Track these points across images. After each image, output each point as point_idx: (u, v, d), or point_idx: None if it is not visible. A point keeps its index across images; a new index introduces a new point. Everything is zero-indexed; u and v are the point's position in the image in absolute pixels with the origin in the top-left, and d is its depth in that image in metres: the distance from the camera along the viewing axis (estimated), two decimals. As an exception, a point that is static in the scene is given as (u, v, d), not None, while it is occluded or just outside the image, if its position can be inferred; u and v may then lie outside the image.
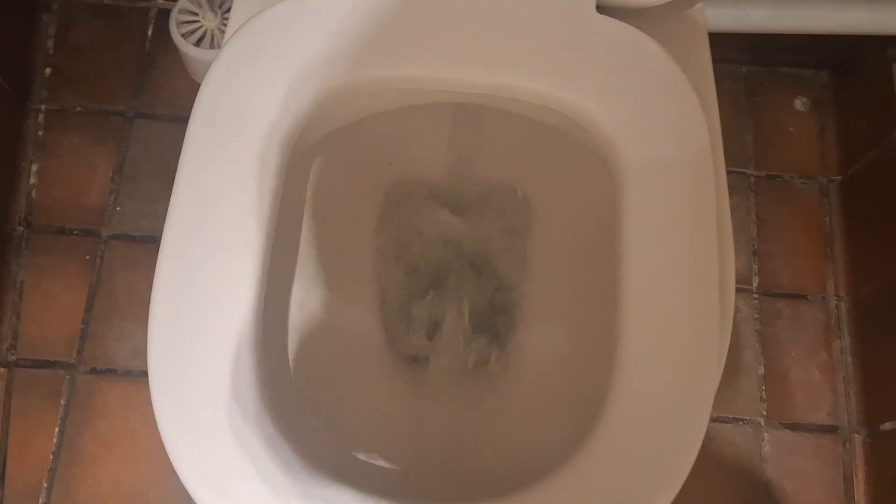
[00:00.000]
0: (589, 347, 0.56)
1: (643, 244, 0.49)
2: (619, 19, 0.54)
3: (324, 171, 0.60)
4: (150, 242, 0.88)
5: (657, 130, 0.52)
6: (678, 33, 0.59)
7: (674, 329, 0.48)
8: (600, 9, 0.55)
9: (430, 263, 0.69)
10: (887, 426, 0.82)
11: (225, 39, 0.53)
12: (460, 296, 0.68)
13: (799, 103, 0.98)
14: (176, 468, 0.44)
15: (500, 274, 0.69)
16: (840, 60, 0.97)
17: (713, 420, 0.86)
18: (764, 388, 0.88)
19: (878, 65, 0.89)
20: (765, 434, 0.86)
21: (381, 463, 0.53)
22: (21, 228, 0.88)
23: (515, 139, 0.62)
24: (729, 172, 0.93)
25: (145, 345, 0.84)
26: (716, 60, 0.96)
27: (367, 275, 0.66)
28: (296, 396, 0.52)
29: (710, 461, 0.85)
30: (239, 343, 0.46)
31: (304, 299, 0.61)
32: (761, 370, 0.88)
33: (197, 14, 0.87)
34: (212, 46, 0.87)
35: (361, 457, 0.53)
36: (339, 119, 0.57)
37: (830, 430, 0.87)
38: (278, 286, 0.53)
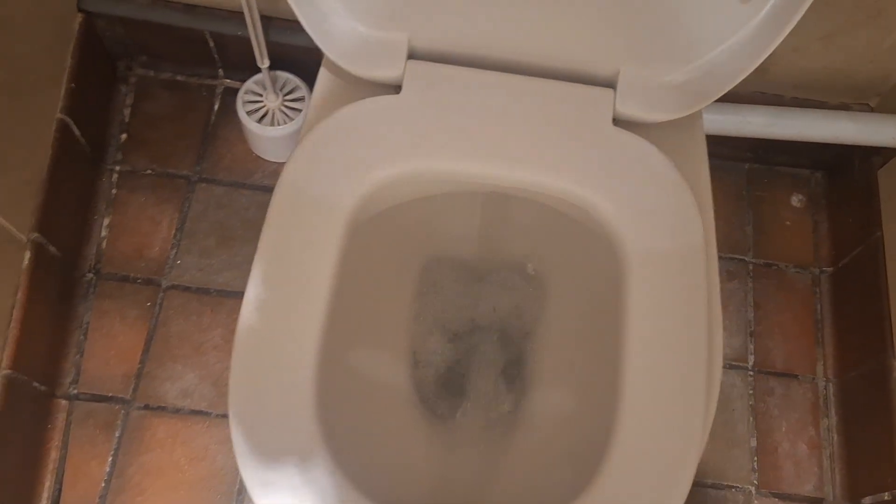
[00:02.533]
0: (591, 411, 0.65)
1: (642, 324, 0.59)
2: (631, 130, 0.65)
3: (372, 244, 0.70)
4: (204, 294, 0.98)
5: (659, 227, 0.62)
6: (681, 140, 0.69)
7: (665, 401, 0.57)
8: (616, 121, 0.66)
9: (457, 331, 0.79)
10: (867, 500, 0.89)
11: (301, 135, 0.64)
12: (483, 361, 0.77)
13: (796, 200, 1.08)
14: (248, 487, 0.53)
15: (517, 343, 0.79)
16: (834, 163, 1.07)
17: (708, 486, 0.94)
18: (756, 459, 0.96)
19: (865, 170, 0.99)
20: (755, 502, 0.94)
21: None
22: (90, 275, 0.98)
23: (536, 225, 0.73)
24: (729, 259, 1.04)
25: (194, 386, 0.94)
26: (721, 158, 1.08)
27: (402, 336, 0.75)
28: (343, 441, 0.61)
29: (703, 525, 0.92)
30: (303, 393, 0.55)
31: (346, 355, 0.70)
32: (754, 442, 0.96)
33: (261, 95, 1.00)
34: (272, 124, 0.99)
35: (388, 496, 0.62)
36: (389, 201, 0.67)
37: (816, 501, 0.94)
38: (334, 340, 0.62)
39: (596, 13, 0.62)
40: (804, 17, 0.83)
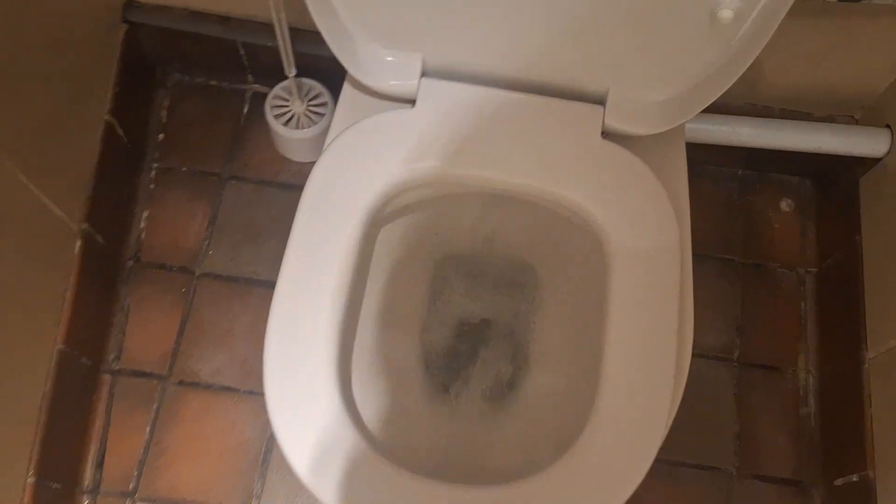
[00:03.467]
0: (577, 388, 0.74)
1: (622, 313, 0.68)
2: (618, 141, 0.74)
3: (388, 238, 0.79)
4: (234, 282, 1.08)
5: (639, 228, 0.70)
6: (662, 151, 0.77)
7: (639, 381, 0.66)
8: (604, 134, 0.74)
9: (463, 318, 0.88)
10: (840, 482, 0.98)
11: (327, 142, 0.74)
12: (484, 344, 0.86)
13: (785, 204, 1.16)
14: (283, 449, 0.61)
15: (516, 328, 0.87)
16: (821, 172, 1.15)
17: (691, 466, 1.02)
18: (738, 443, 1.04)
19: (848, 178, 1.07)
20: (735, 483, 1.02)
21: (414, 462, 0.70)
22: (131, 262, 1.08)
23: (532, 225, 0.81)
24: (719, 259, 1.12)
25: (224, 365, 1.03)
26: (716, 164, 1.16)
27: (414, 320, 0.84)
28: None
29: (684, 502, 1.01)
30: (327, 366, 0.64)
31: (363, 335, 0.79)
32: (736, 428, 1.05)
33: (287, 100, 1.09)
34: (297, 127, 1.08)
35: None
36: (403, 201, 0.76)
37: (794, 483, 1.02)
38: (353, 324, 0.71)
39: (587, 40, 0.70)
40: (789, 37, 0.91)
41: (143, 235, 1.10)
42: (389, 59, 0.74)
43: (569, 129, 0.73)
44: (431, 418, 0.79)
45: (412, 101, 0.74)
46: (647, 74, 0.72)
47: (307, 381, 0.64)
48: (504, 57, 0.74)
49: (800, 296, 1.12)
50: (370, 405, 0.70)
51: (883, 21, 0.89)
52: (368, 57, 0.74)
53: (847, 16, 0.89)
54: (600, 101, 0.74)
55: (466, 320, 0.90)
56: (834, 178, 1.11)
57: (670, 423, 0.66)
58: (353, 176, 0.71)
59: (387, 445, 0.69)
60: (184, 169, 1.14)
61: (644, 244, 0.70)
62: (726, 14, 0.62)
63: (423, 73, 0.75)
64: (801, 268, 1.13)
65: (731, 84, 0.70)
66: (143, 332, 1.06)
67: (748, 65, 0.69)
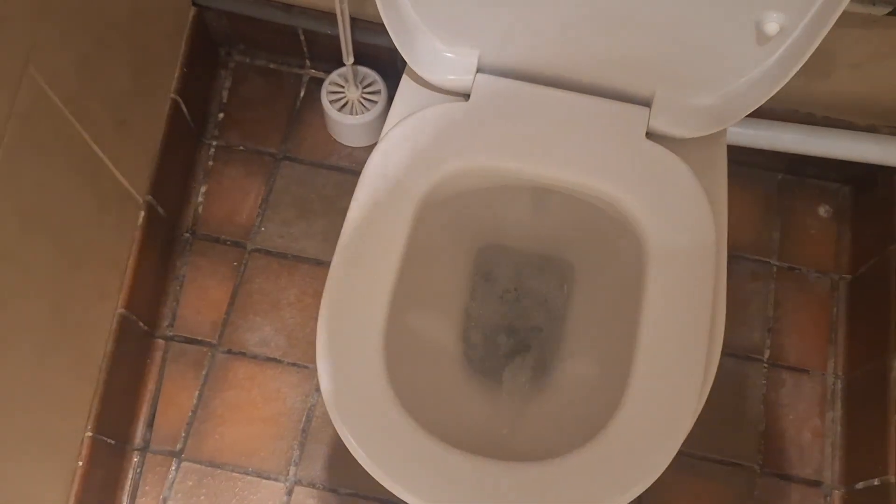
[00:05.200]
0: (609, 378, 0.79)
1: (656, 308, 0.72)
2: (662, 143, 0.78)
3: (439, 224, 0.84)
4: (283, 258, 1.14)
5: (677, 227, 0.75)
6: (704, 154, 0.81)
7: (669, 374, 0.71)
8: (648, 135, 0.79)
9: (503, 306, 0.93)
10: (861, 485, 1.01)
11: (385, 130, 0.79)
12: (523, 331, 0.92)
13: (823, 210, 1.19)
14: (328, 404, 0.67)
15: (553, 318, 0.92)
16: (861, 179, 1.17)
17: (716, 461, 1.07)
18: (763, 442, 1.08)
19: (886, 187, 1.09)
20: (758, 480, 1.06)
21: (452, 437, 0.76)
22: (188, 235, 1.15)
23: (575, 218, 0.86)
24: (755, 261, 1.16)
25: (270, 337, 1.09)
26: (756, 167, 1.19)
27: (457, 305, 0.90)
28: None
29: (707, 497, 1.05)
30: (374, 343, 0.70)
31: (408, 316, 0.85)
32: (762, 427, 1.08)
33: (343, 86, 1.15)
34: (351, 113, 1.14)
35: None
36: (455, 189, 0.81)
37: (815, 484, 1.06)
38: (400, 303, 0.77)
39: (637, 44, 0.75)
40: (835, 46, 0.94)
41: (200, 210, 1.17)
42: (448, 54, 0.79)
43: (615, 129, 0.78)
44: (470, 398, 0.85)
45: (467, 96, 0.79)
46: (692, 80, 0.77)
47: (355, 355, 0.69)
48: (556, 57, 0.78)
49: (832, 301, 1.15)
50: (413, 383, 0.76)
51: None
52: (428, 51, 0.79)
53: (893, 27, 0.92)
54: (646, 103, 0.78)
55: (506, 308, 0.95)
56: (872, 187, 1.14)
57: (696, 417, 0.71)
58: (409, 163, 0.76)
59: (427, 420, 0.75)
60: (241, 147, 1.20)
61: (681, 243, 0.74)
62: (772, 27, 0.66)
63: (479, 69, 0.80)
64: (836, 273, 1.16)
65: (774, 93, 0.74)
66: (196, 301, 1.12)
67: (791, 75, 0.72)
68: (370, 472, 0.66)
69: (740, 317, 1.13)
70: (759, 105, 0.75)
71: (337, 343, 0.70)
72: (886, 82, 1.01)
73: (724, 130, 0.81)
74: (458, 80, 0.79)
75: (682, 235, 0.75)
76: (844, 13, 0.85)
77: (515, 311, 0.95)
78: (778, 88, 0.73)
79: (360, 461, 0.67)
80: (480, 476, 0.66)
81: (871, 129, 1.08)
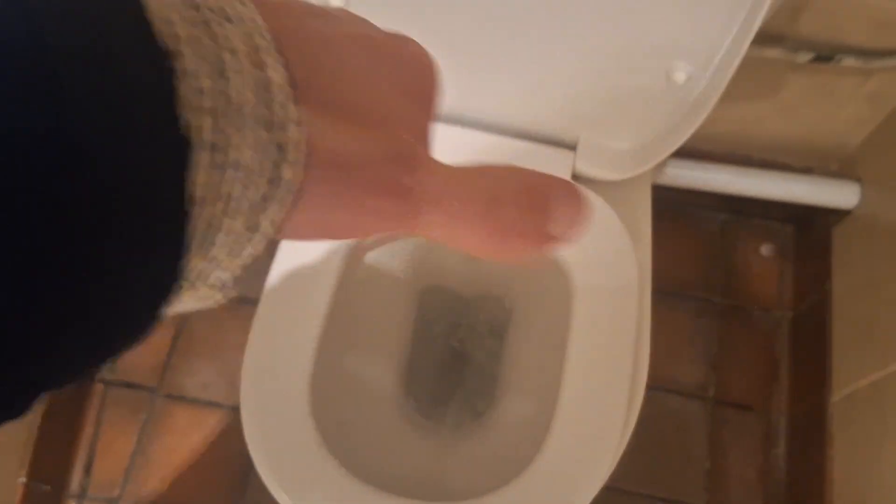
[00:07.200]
0: (542, 414, 0.81)
1: (581, 345, 0.75)
2: (588, 185, 0.82)
3: (377, 265, 0.87)
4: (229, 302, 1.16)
5: (602, 265, 0.78)
6: (628, 194, 0.85)
7: (592, 410, 0.73)
8: (574, 177, 0.82)
9: (442, 346, 0.95)
10: (802, 522, 1.04)
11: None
12: (460, 370, 0.94)
13: (765, 249, 1.24)
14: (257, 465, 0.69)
15: (491, 358, 0.95)
16: (801, 219, 1.22)
17: (661, 499, 1.09)
18: (708, 479, 1.10)
19: (822, 227, 1.14)
20: (703, 519, 1.08)
21: (386, 482, 0.78)
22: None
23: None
24: (699, 299, 1.19)
25: (212, 380, 1.10)
26: (700, 207, 1.23)
27: (396, 346, 0.92)
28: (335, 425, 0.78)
29: (654, 535, 1.07)
30: (300, 390, 0.72)
31: (340, 359, 0.87)
32: (707, 465, 1.11)
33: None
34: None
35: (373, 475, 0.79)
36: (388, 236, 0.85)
37: (759, 522, 1.09)
38: (332, 345, 0.79)
39: (560, 94, 0.79)
40: (767, 90, 1.00)
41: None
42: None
43: (543, 171, 0.82)
44: (405, 440, 0.87)
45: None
46: (612, 126, 0.81)
47: (282, 401, 0.71)
48: (487, 104, 0.82)
49: (775, 338, 1.19)
50: (344, 425, 0.78)
51: (851, 80, 0.97)
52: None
53: (819, 73, 0.97)
54: (572, 146, 0.82)
55: (445, 348, 0.98)
56: (811, 226, 1.19)
57: (620, 452, 0.73)
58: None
59: (359, 465, 0.77)
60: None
61: (605, 281, 0.78)
62: (680, 76, 0.70)
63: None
64: (778, 311, 1.20)
65: (688, 135, 0.78)
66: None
67: (702, 120, 0.77)
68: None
69: (685, 355, 1.16)
70: (676, 148, 0.79)
71: (262, 387, 0.72)
72: (817, 126, 1.07)
73: (649, 172, 0.85)
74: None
75: (605, 273, 0.78)
76: (770, 60, 0.90)
77: (454, 351, 0.98)
78: (691, 132, 0.77)
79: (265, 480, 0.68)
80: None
81: (807, 171, 1.14)
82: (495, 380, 0.93)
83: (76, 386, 1.08)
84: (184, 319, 1.15)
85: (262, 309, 0.75)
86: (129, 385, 1.12)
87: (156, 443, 1.09)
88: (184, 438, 1.09)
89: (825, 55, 0.92)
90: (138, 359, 1.13)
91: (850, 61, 0.92)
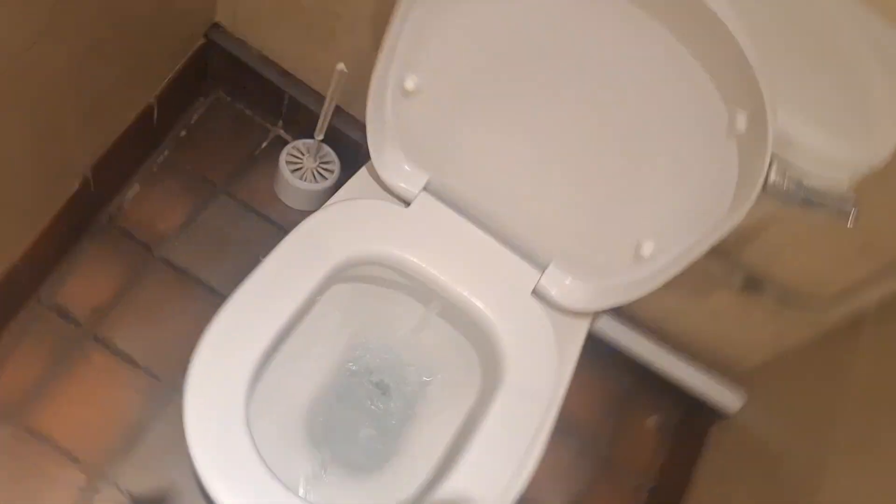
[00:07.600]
0: (435, 477, 0.92)
1: (489, 428, 0.87)
2: (543, 298, 0.96)
3: (336, 299, 0.98)
4: (184, 275, 1.24)
5: (530, 371, 0.91)
6: (570, 322, 0.99)
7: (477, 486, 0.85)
8: (534, 292, 0.96)
9: (363, 392, 1.06)
10: None
11: (331, 200, 0.94)
12: (372, 420, 1.04)
13: (652, 421, 1.39)
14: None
15: (401, 417, 1.06)
16: (690, 407, 1.38)
17: None
18: None
19: (704, 421, 1.31)
20: None
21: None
22: (105, 219, 1.24)
23: (450, 341, 1.02)
24: (585, 441, 1.32)
25: (139, 342, 1.16)
26: (615, 367, 1.37)
27: (322, 378, 1.02)
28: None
29: None
30: (245, 376, 0.81)
31: (277, 375, 0.96)
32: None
33: (303, 154, 1.30)
34: (302, 178, 1.29)
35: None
36: (364, 273, 0.96)
37: None
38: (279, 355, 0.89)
39: (552, 221, 0.94)
40: (700, 292, 1.17)
41: (125, 204, 1.26)
42: (406, 167, 0.97)
43: (510, 277, 0.96)
44: (296, 465, 0.95)
45: (408, 203, 0.96)
46: (580, 269, 0.96)
47: (222, 385, 0.81)
48: (485, 206, 0.97)
49: (633, 501, 1.32)
50: (263, 436, 0.86)
51: (766, 313, 1.16)
52: (391, 158, 0.96)
53: (744, 296, 1.15)
54: (542, 268, 0.97)
55: (362, 394, 1.08)
56: (696, 416, 1.35)
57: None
58: (338, 230, 0.91)
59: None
60: (188, 167, 1.32)
61: (528, 385, 0.91)
62: (646, 250, 0.87)
63: (425, 188, 0.97)
64: (643, 478, 1.34)
65: (640, 297, 0.94)
66: (86, 282, 1.20)
67: (656, 287, 0.92)
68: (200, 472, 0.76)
69: (558, 486, 1.28)
70: (627, 302, 0.94)
71: (209, 365, 0.81)
72: (729, 336, 1.25)
73: (591, 315, 1.00)
74: (406, 189, 0.97)
75: (531, 380, 0.91)
76: (711, 270, 1.07)
77: (370, 403, 1.08)
78: (645, 294, 0.93)
79: (194, 459, 0.76)
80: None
81: (708, 368, 1.30)
82: (397, 437, 1.03)
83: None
84: (138, 276, 1.22)
85: (235, 301, 0.85)
86: (63, 313, 1.17)
87: (66, 377, 1.13)
88: (92, 384, 1.14)
89: (755, 283, 1.10)
90: (82, 295, 1.18)
91: (769, 300, 1.10)
